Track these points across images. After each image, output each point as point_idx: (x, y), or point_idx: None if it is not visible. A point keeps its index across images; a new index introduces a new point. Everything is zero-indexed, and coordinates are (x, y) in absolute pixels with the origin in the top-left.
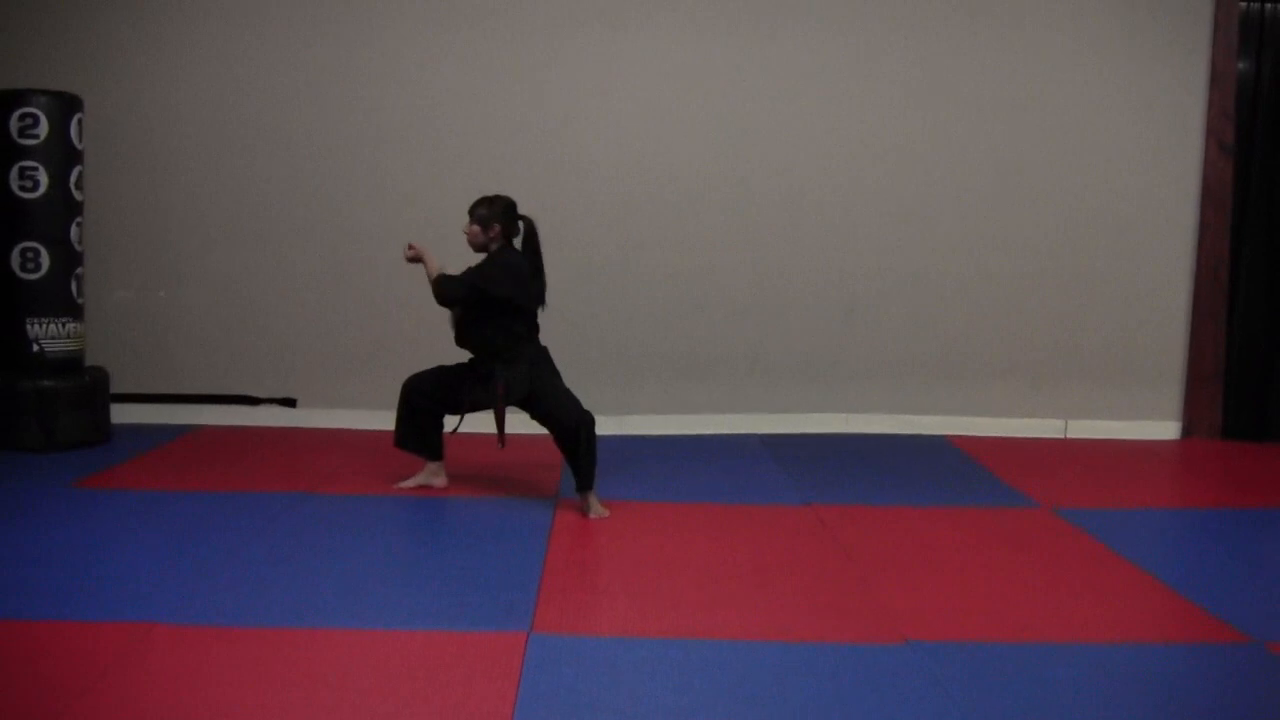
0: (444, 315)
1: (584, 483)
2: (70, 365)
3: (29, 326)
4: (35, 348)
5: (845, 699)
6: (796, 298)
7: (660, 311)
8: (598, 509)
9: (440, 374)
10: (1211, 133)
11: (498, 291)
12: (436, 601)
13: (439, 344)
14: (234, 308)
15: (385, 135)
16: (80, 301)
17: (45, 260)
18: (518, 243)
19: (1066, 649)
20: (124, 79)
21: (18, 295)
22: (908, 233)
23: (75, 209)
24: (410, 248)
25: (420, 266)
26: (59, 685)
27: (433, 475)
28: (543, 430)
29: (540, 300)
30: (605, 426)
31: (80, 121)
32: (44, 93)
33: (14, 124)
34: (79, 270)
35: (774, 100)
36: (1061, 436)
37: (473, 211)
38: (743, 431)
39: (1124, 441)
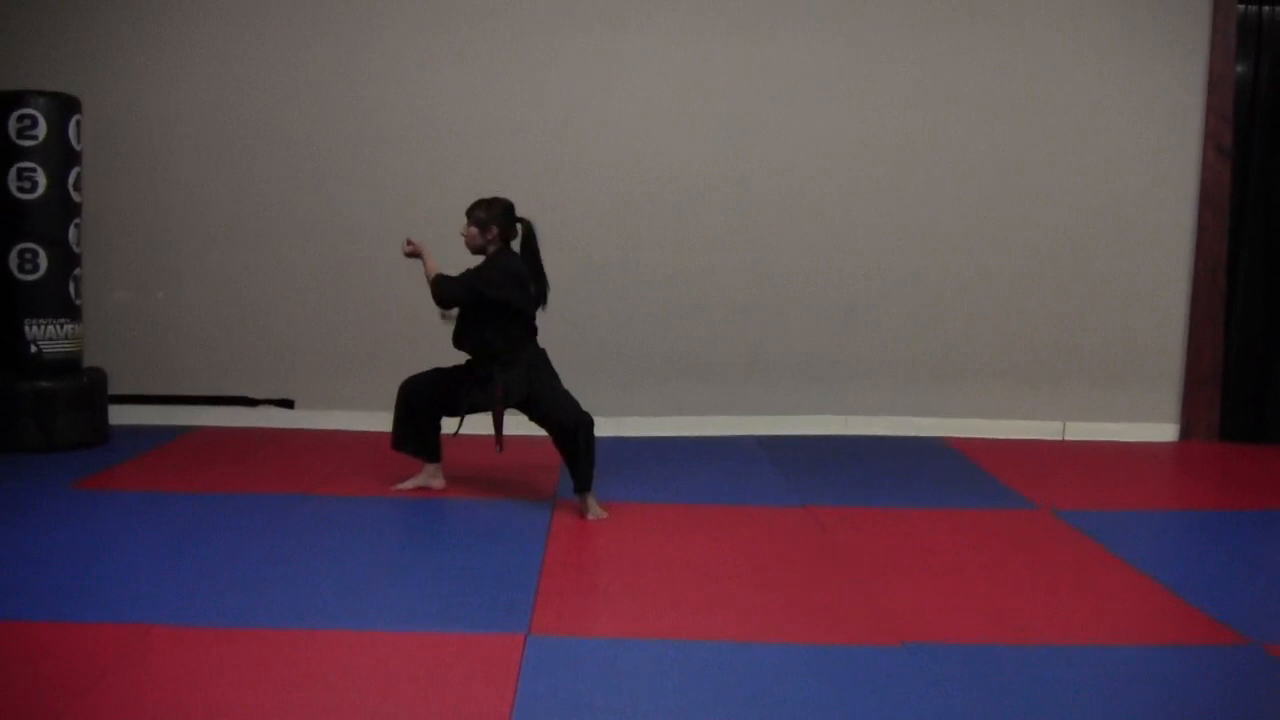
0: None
1: (582, 484)
2: (68, 366)
3: (27, 328)
4: (33, 349)
5: (843, 700)
6: (796, 298)
7: (660, 312)
8: (596, 510)
9: (438, 376)
10: (1210, 135)
11: (496, 294)
12: (434, 603)
13: (438, 345)
14: (232, 309)
15: (385, 135)
16: (78, 303)
17: (43, 261)
18: (516, 245)
19: (1064, 651)
20: (123, 80)
21: (16, 296)
22: (907, 233)
23: (73, 210)
24: (409, 243)
25: (418, 264)
26: (59, 685)
27: (431, 477)
28: (541, 432)
29: (542, 302)
30: (604, 428)
31: (78, 123)
32: (42, 94)
33: (12, 125)
34: (77, 271)
35: (774, 100)
36: (1060, 438)
37: (470, 214)
38: (741, 433)
39: (1122, 443)
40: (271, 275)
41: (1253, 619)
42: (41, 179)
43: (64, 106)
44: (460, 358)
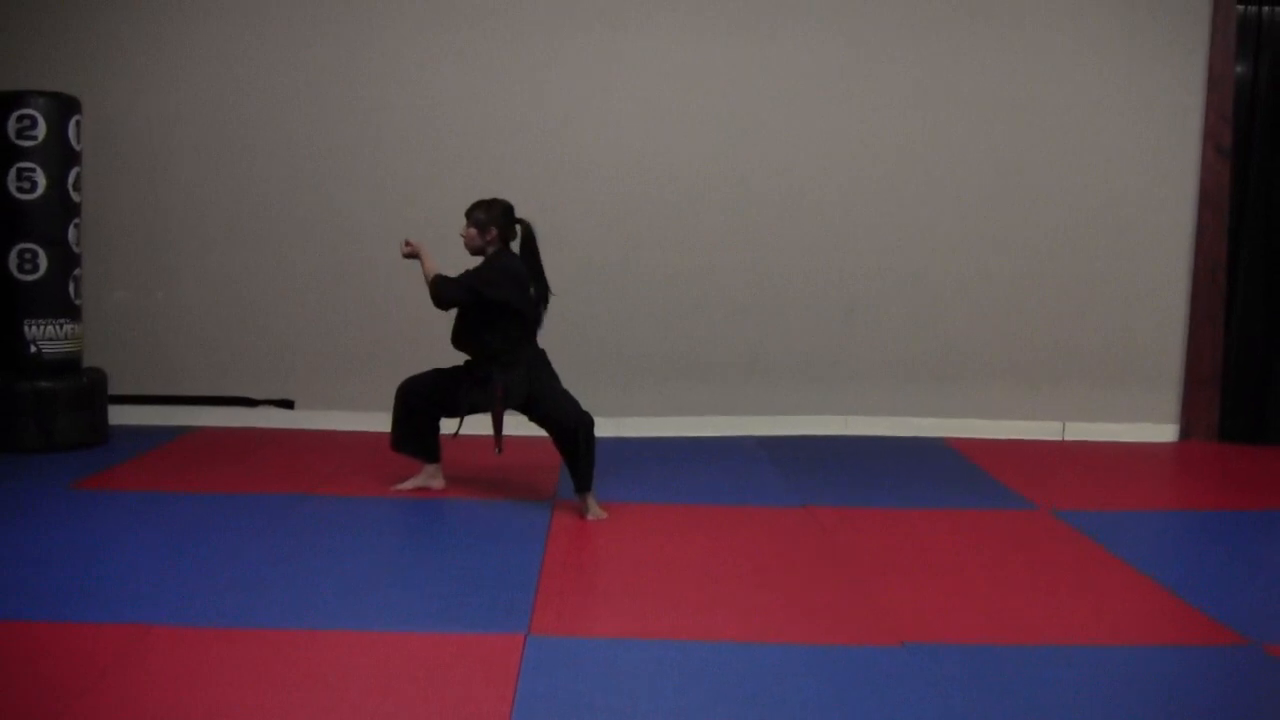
0: (443, 317)
1: (582, 484)
2: (68, 366)
3: (27, 328)
4: (33, 349)
5: (843, 701)
6: (796, 298)
7: (659, 312)
8: (596, 510)
9: (436, 377)
10: (1209, 136)
11: (495, 295)
12: (434, 603)
13: (438, 346)
14: (232, 309)
15: (385, 135)
16: (78, 303)
17: (43, 261)
18: (515, 246)
19: (1064, 651)
20: (122, 80)
21: (15, 296)
22: (907, 233)
23: (73, 210)
24: (407, 244)
25: (417, 264)
26: (58, 685)
27: (430, 477)
28: (540, 432)
29: (543, 304)
30: (603, 428)
31: (78, 123)
32: (42, 94)
33: (12, 125)
34: (77, 271)
35: (774, 100)
36: (1059, 438)
37: (470, 215)
38: (741, 433)
39: (1122, 444)
40: (271, 275)
41: (1253, 619)
42: (41, 179)
43: (63, 107)
44: (459, 358)
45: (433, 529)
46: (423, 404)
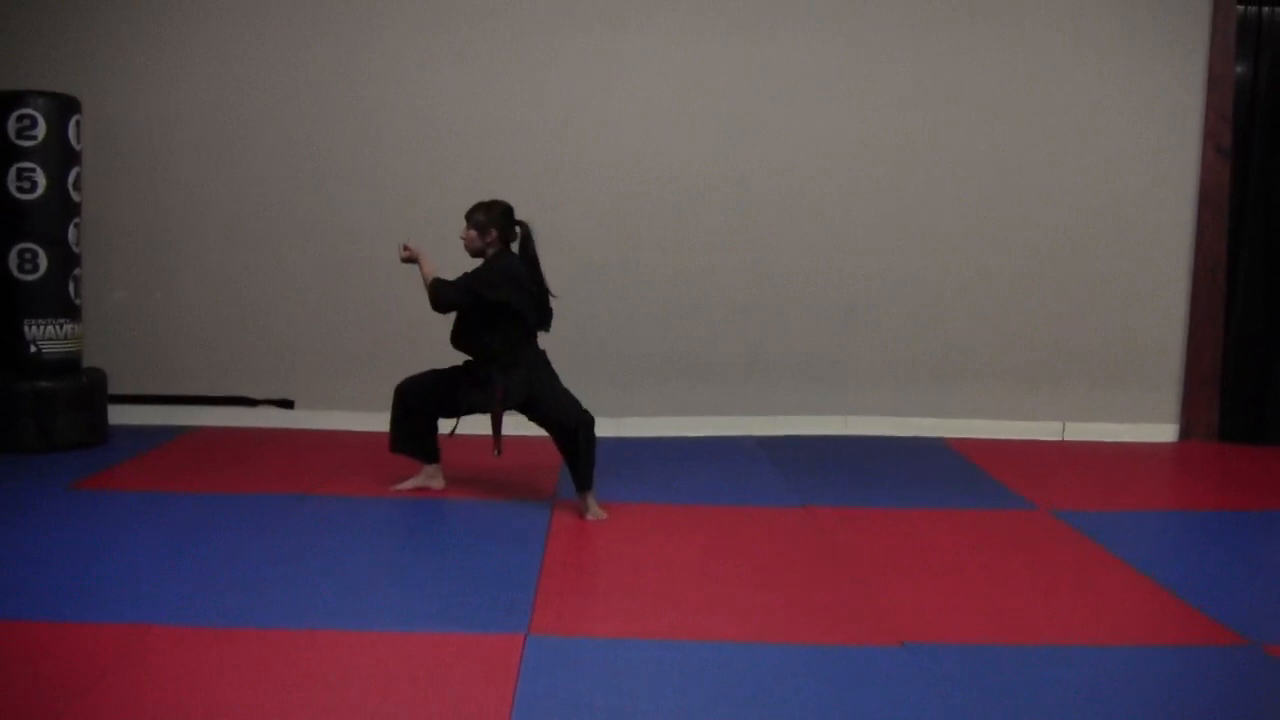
0: (442, 317)
1: (582, 483)
2: (68, 366)
3: (26, 328)
4: (33, 349)
5: (842, 701)
6: (796, 298)
7: (660, 312)
8: (595, 510)
9: (435, 377)
10: (1209, 136)
11: (495, 296)
12: (434, 603)
13: (437, 346)
14: (232, 309)
15: (385, 135)
16: (78, 302)
17: (43, 261)
18: (515, 248)
19: (1064, 651)
20: (122, 80)
21: (15, 296)
22: (907, 233)
23: (73, 210)
24: (405, 248)
25: (415, 268)
26: (58, 685)
27: (430, 477)
28: (540, 431)
29: (543, 303)
30: (603, 428)
31: (78, 123)
32: (42, 94)
33: (11, 125)
34: (77, 271)
35: (774, 100)
36: (1059, 439)
37: (470, 217)
38: (741, 433)
39: (1121, 444)
40: (271, 275)
41: (1253, 619)
42: (41, 179)
43: (63, 107)
44: (459, 358)
45: (433, 529)
46: (421, 404)
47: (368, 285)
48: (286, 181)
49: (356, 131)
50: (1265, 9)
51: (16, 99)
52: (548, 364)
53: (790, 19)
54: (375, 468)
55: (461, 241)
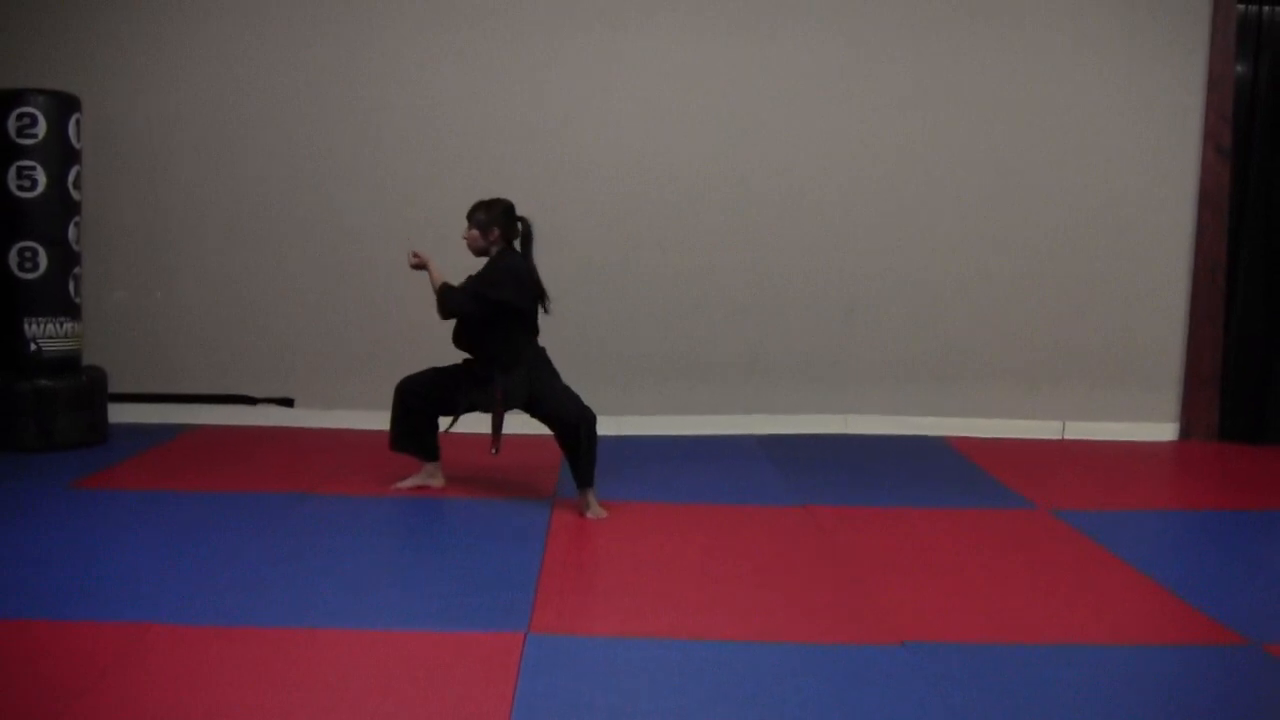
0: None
1: (583, 480)
2: (68, 365)
3: (26, 326)
4: (33, 347)
5: (843, 700)
6: (796, 298)
7: (660, 312)
8: (596, 509)
9: (435, 375)
10: (1209, 136)
11: (498, 296)
12: (434, 602)
13: (437, 344)
14: (232, 307)
15: (385, 135)
16: (78, 301)
17: (43, 260)
18: (518, 245)
19: (1064, 650)
20: (123, 79)
21: (15, 295)
22: (907, 233)
23: (73, 209)
24: (414, 255)
25: (420, 271)
26: (59, 685)
27: (430, 476)
28: (540, 431)
29: (543, 304)
30: (604, 427)
31: (78, 121)
32: (42, 92)
33: (12, 123)
34: (77, 270)
35: (774, 100)
36: (1059, 438)
37: (471, 216)
38: (741, 432)
39: (1121, 443)
40: (271, 274)
41: (1252, 619)
42: (41, 177)
43: (64, 105)
44: (458, 356)
45: (433, 528)
46: (421, 403)
47: (368, 285)
48: (286, 181)
49: (356, 131)
50: (1265, 8)
51: (17, 97)
52: (548, 362)
53: (790, 19)
54: (375, 466)
55: (464, 241)
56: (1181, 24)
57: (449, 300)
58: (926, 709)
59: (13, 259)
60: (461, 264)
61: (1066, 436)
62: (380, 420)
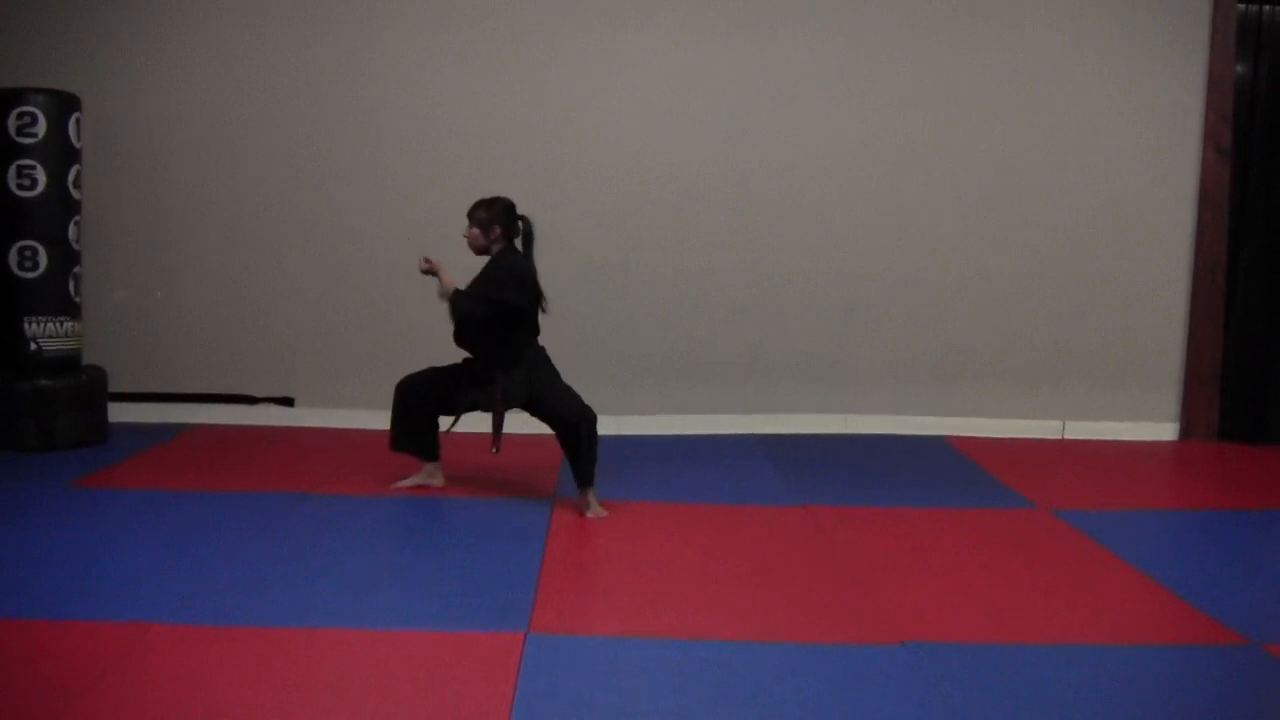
0: (440, 314)
1: (584, 479)
2: (68, 364)
3: (27, 325)
4: (33, 347)
5: (843, 700)
6: (796, 298)
7: (660, 311)
8: (596, 509)
9: (435, 375)
10: (1209, 136)
11: (503, 296)
12: (434, 602)
13: (437, 344)
14: (232, 307)
15: (385, 135)
16: (78, 300)
17: (43, 259)
18: (519, 244)
19: (1064, 650)
20: (123, 78)
21: (15, 294)
22: (907, 233)
23: (73, 208)
24: (426, 261)
25: (415, 263)
26: (58, 685)
27: (430, 475)
28: (540, 430)
29: (539, 302)
30: (603, 427)
31: (78, 120)
32: (42, 91)
33: (12, 122)
34: (77, 269)
35: (774, 100)
36: (1059, 438)
37: (472, 215)
38: (741, 432)
39: (1122, 443)
40: (272, 274)
41: (1252, 619)
42: (41, 176)
43: (64, 104)
44: (458, 356)
45: (433, 528)
46: (421, 403)
47: (368, 285)
48: (286, 181)
49: (356, 131)
50: (1266, 8)
51: (17, 96)
52: (548, 361)
53: (790, 19)
54: (375, 466)
55: (465, 240)
56: (1181, 24)
57: (461, 306)
58: (926, 709)
59: (13, 258)
60: (463, 263)
61: (1067, 436)
62: (380, 420)
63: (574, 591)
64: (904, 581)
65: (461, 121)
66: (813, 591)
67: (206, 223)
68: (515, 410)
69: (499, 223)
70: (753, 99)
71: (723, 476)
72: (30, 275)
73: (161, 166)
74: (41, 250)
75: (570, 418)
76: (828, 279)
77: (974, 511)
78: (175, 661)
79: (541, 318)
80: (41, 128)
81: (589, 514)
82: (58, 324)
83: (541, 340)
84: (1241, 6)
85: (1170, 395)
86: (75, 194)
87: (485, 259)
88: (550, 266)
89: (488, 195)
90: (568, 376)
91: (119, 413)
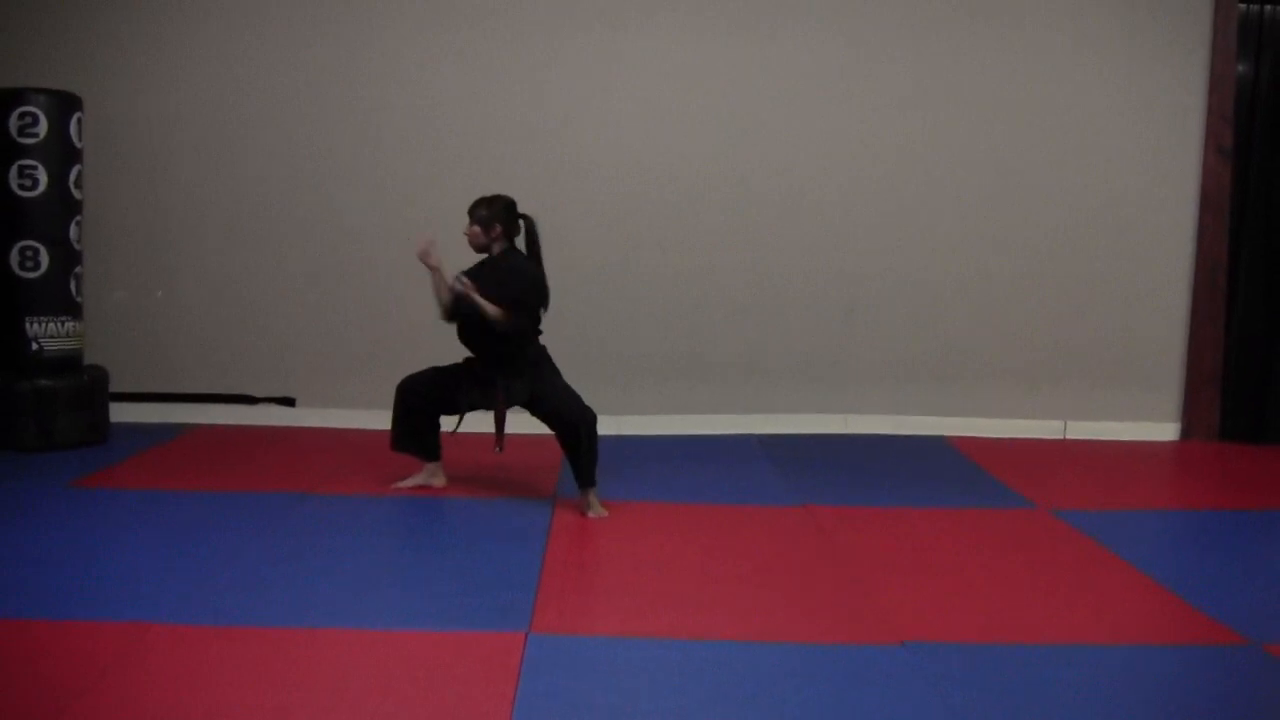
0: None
1: (585, 480)
2: (69, 364)
3: (28, 325)
4: (34, 347)
5: (843, 700)
6: (796, 298)
7: (660, 312)
8: (597, 509)
9: (436, 375)
10: (1210, 136)
11: (535, 300)
12: (435, 602)
13: (438, 344)
14: (233, 307)
15: (385, 135)
16: (79, 300)
17: (44, 259)
18: (519, 242)
19: (1064, 650)
20: (123, 79)
21: (17, 294)
22: (907, 233)
23: (74, 208)
24: (460, 282)
25: (412, 260)
26: (58, 685)
27: (431, 475)
28: (541, 430)
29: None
30: (604, 427)
31: (79, 120)
32: (43, 91)
33: (13, 123)
34: (78, 269)
35: (774, 100)
36: (1060, 438)
37: (472, 212)
38: (741, 432)
39: (1122, 443)
40: (272, 274)
41: (1252, 619)
42: (42, 177)
43: (65, 104)
44: (459, 354)
45: (433, 528)
46: (422, 403)
47: (368, 284)
48: (286, 181)
49: (356, 131)
50: (1267, 8)
51: (18, 96)
52: (549, 360)
53: (790, 19)
54: (376, 466)
55: (465, 237)
56: (1182, 24)
57: (516, 320)
58: (926, 709)
59: (14, 258)
60: (463, 262)
61: (1068, 436)
62: (381, 420)
63: (575, 591)
64: (904, 581)
65: (461, 121)
66: (813, 591)
67: (207, 223)
68: (516, 410)
69: (500, 220)
70: (753, 99)
71: (723, 476)
72: (32, 275)
73: (162, 166)
74: (43, 250)
75: (570, 418)
76: (828, 279)
77: (974, 511)
78: (175, 661)
79: (543, 317)
80: (43, 128)
81: (590, 514)
82: (59, 324)
83: (542, 340)
84: (1243, 6)
85: (1171, 395)
86: (76, 194)
87: (482, 256)
88: (550, 266)
89: (487, 194)
90: (568, 376)
91: (120, 413)
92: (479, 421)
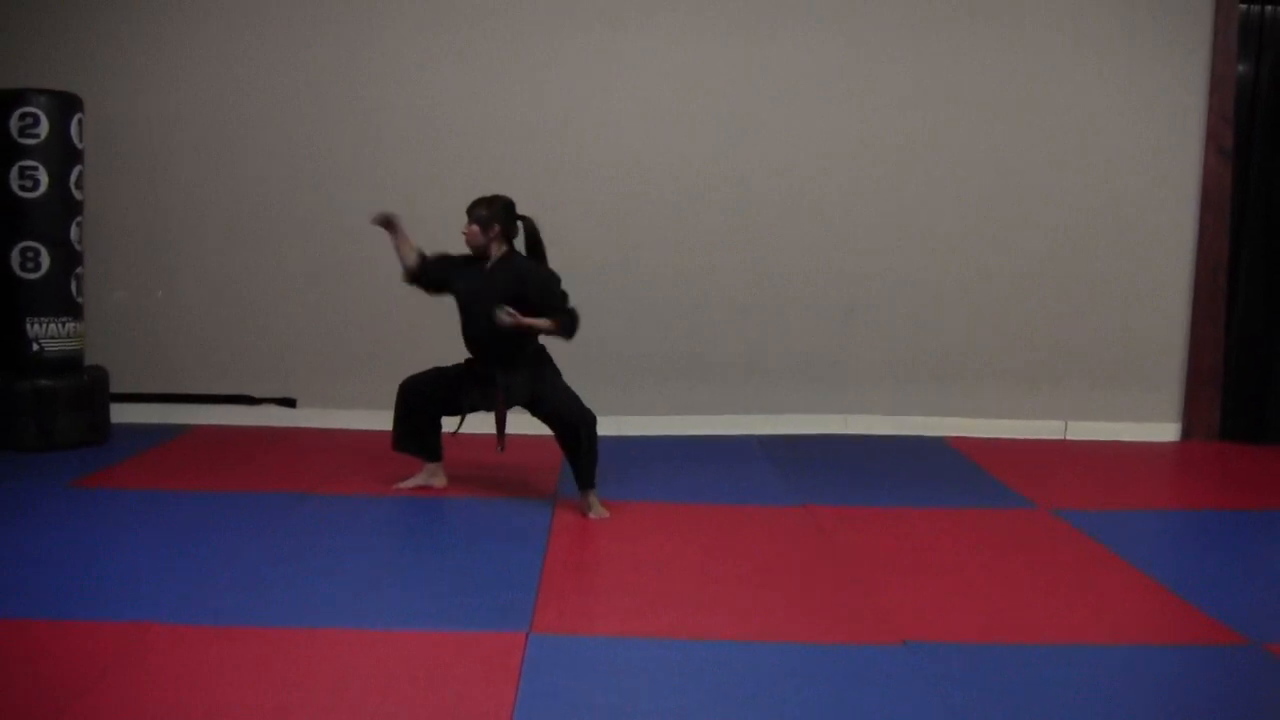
0: (441, 314)
1: (585, 481)
2: (69, 365)
3: (28, 326)
4: (35, 347)
5: (843, 700)
6: (796, 298)
7: (660, 312)
8: (598, 509)
9: (437, 375)
10: (1211, 136)
11: (566, 298)
12: (436, 602)
13: (438, 344)
14: (233, 307)
15: (385, 135)
16: (80, 301)
17: (45, 260)
18: (518, 243)
19: (1064, 650)
20: (124, 79)
21: (17, 295)
22: (907, 233)
23: (75, 208)
24: (510, 314)
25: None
26: (58, 685)
27: (432, 476)
28: (542, 431)
29: None
30: (603, 427)
31: (80, 121)
32: (44, 92)
33: (14, 123)
34: (79, 270)
35: (774, 100)
36: (1060, 438)
37: (471, 212)
38: (741, 432)
39: (1123, 443)
40: (272, 274)
41: (1252, 619)
42: (43, 177)
43: (66, 105)
44: (460, 355)
45: (434, 528)
46: (423, 403)
47: (368, 284)
48: (286, 181)
49: (356, 131)
50: (1268, 8)
51: (19, 97)
52: (550, 360)
53: (790, 19)
54: (376, 467)
55: (464, 237)
56: (1182, 24)
57: (574, 324)
58: (926, 709)
59: (15, 259)
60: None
61: (1068, 436)
62: (381, 420)
63: (575, 591)
64: (904, 581)
65: (461, 121)
66: (813, 591)
67: (207, 223)
68: (517, 410)
69: (499, 221)
70: (753, 99)
71: (723, 476)
72: (32, 276)
73: (162, 166)
74: (44, 251)
75: (570, 419)
76: (828, 279)
77: (974, 511)
78: (175, 661)
79: None
80: (44, 129)
81: (591, 514)
82: (60, 324)
83: (542, 338)
84: (1243, 6)
85: (1171, 395)
86: (77, 195)
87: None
88: (550, 266)
89: (487, 194)
90: (568, 376)
91: (120, 413)
92: (480, 422)
